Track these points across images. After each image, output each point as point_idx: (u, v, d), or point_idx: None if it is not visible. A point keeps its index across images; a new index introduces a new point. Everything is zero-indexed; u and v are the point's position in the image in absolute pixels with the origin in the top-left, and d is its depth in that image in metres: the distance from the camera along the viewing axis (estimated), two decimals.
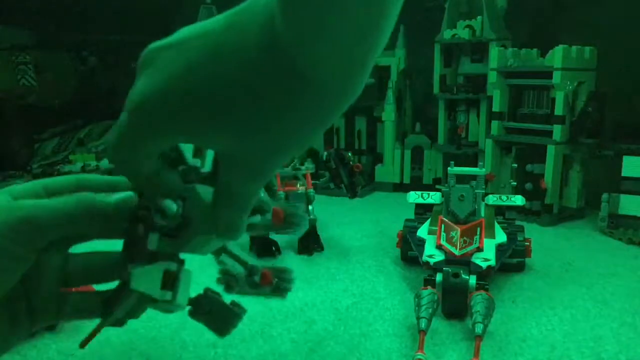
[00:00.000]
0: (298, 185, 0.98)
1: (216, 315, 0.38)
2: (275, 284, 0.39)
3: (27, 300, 0.36)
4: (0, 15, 1.61)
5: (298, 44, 0.25)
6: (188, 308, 0.38)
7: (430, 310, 0.65)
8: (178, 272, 0.35)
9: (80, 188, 0.37)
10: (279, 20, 0.24)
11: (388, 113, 1.43)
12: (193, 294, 0.38)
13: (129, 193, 0.35)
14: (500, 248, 0.80)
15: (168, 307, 0.35)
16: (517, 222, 0.93)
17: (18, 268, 0.34)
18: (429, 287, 0.69)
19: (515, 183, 1.10)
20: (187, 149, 0.33)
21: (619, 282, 0.85)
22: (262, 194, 0.36)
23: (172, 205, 0.32)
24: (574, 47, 1.13)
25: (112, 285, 0.37)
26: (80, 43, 1.78)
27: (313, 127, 0.28)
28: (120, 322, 0.36)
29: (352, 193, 1.00)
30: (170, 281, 0.34)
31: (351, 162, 1.34)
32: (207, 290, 0.38)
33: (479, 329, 0.62)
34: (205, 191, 0.33)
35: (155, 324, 0.70)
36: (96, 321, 0.36)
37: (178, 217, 0.33)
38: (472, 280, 0.70)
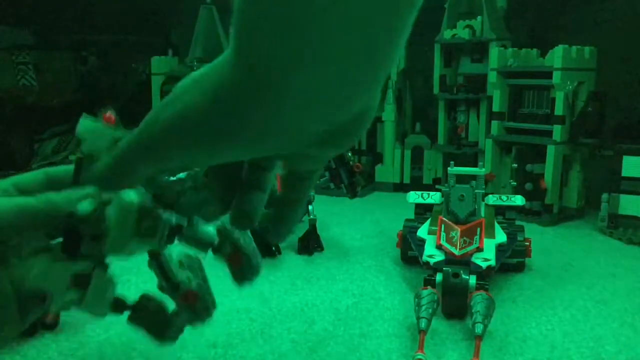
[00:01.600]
0: None
1: (156, 321, 0.38)
2: (197, 308, 0.38)
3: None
4: (0, 15, 1.61)
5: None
6: (127, 313, 0.37)
7: (430, 310, 0.65)
8: (91, 275, 0.34)
9: (50, 183, 0.37)
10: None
11: (388, 113, 1.43)
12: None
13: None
14: (500, 248, 0.80)
15: (85, 308, 0.34)
16: (517, 222, 0.93)
17: None
18: (429, 287, 0.69)
19: (515, 183, 1.10)
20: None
21: (619, 282, 0.85)
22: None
23: (86, 207, 0.32)
24: (574, 47, 1.13)
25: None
26: (80, 43, 1.78)
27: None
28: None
29: (352, 193, 1.00)
30: (81, 282, 0.34)
31: (351, 162, 1.33)
32: (144, 297, 0.38)
33: (479, 329, 0.62)
34: (129, 195, 0.33)
35: None
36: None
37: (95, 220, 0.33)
38: (472, 280, 0.70)
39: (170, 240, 0.36)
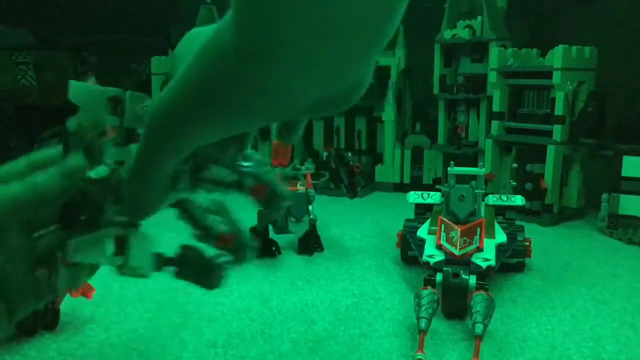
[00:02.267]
0: (298, 185, 0.98)
1: (199, 269, 0.38)
2: (234, 248, 0.38)
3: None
4: (0, 15, 1.61)
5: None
6: (173, 269, 0.37)
7: (430, 310, 0.65)
8: (128, 236, 0.35)
9: (32, 169, 0.37)
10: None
11: (388, 113, 1.43)
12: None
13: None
14: (500, 248, 0.80)
15: (129, 272, 0.34)
16: (517, 222, 0.93)
17: None
18: (429, 287, 0.69)
19: (515, 183, 1.10)
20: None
21: (619, 282, 0.85)
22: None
23: (102, 171, 0.32)
24: (574, 47, 1.13)
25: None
26: (80, 43, 1.78)
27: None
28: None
29: (352, 193, 1.00)
30: (120, 246, 0.34)
31: (351, 162, 1.34)
32: (184, 247, 0.38)
33: (479, 329, 0.62)
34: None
35: (155, 323, 0.70)
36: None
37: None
38: (472, 280, 0.70)
39: (192, 187, 0.36)
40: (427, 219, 0.88)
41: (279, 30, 0.23)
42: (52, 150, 0.37)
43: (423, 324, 0.63)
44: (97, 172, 0.33)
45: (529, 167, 1.17)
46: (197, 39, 0.28)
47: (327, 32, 0.23)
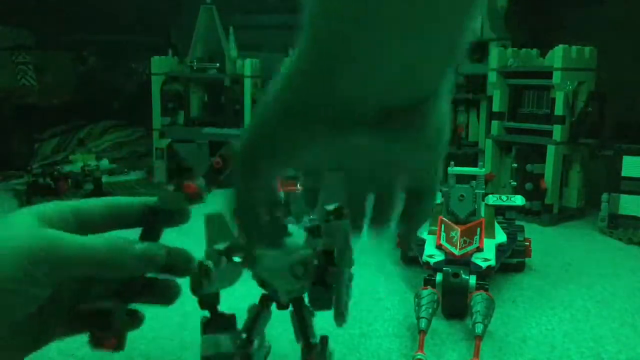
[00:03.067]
0: (298, 185, 0.98)
1: None
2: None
3: (40, 319, 0.36)
4: (0, 15, 1.61)
5: None
6: None
7: (430, 310, 0.65)
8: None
9: (112, 217, 0.37)
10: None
11: None
12: None
13: (157, 245, 0.36)
14: (500, 248, 0.80)
15: None
16: (517, 222, 0.93)
17: (36, 297, 0.33)
18: (429, 287, 0.69)
19: (515, 183, 1.10)
20: None
21: (619, 282, 0.85)
22: None
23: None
24: (574, 47, 1.13)
25: None
26: (80, 43, 1.78)
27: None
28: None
29: None
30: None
31: None
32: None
33: (479, 329, 0.62)
34: None
35: (155, 324, 0.70)
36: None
37: None
38: (472, 280, 0.70)
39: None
40: None
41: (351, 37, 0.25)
42: (133, 200, 0.37)
43: (423, 324, 0.63)
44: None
45: (529, 167, 1.17)
46: None
47: (405, 35, 0.24)
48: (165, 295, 0.37)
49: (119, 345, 0.35)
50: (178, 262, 0.35)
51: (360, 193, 0.36)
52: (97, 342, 0.35)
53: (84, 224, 0.35)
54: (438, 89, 0.29)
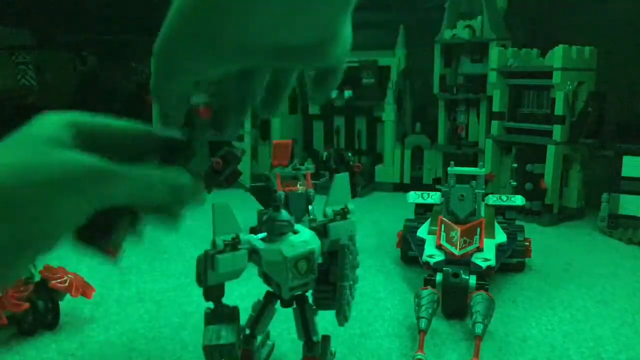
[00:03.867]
0: (298, 185, 0.97)
1: None
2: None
3: None
4: (0, 15, 1.60)
5: None
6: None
7: (430, 310, 0.65)
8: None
9: (130, 144, 0.36)
10: None
11: (388, 113, 1.43)
12: None
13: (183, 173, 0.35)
14: (500, 248, 0.80)
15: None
16: (517, 222, 0.93)
17: (80, 221, 0.32)
18: (429, 287, 0.69)
19: (515, 183, 1.10)
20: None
21: (619, 282, 0.85)
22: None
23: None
24: (574, 47, 1.14)
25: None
26: (80, 43, 1.78)
27: None
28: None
29: (352, 193, 0.99)
30: None
31: (351, 162, 1.33)
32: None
33: (479, 329, 0.62)
34: None
35: (155, 324, 0.70)
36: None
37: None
38: (472, 280, 0.70)
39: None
40: (427, 219, 0.88)
41: None
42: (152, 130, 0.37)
43: (423, 324, 0.63)
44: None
45: (529, 167, 1.17)
46: None
47: None
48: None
49: (116, 256, 0.35)
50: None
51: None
52: (99, 248, 0.34)
53: (113, 147, 0.34)
54: (338, 32, 0.30)
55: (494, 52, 1.23)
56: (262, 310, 0.55)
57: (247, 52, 0.30)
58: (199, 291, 0.51)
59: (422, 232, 0.85)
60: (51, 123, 0.32)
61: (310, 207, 0.98)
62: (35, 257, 0.32)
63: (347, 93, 1.44)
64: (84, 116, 0.35)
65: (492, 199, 0.91)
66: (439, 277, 0.71)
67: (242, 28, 0.28)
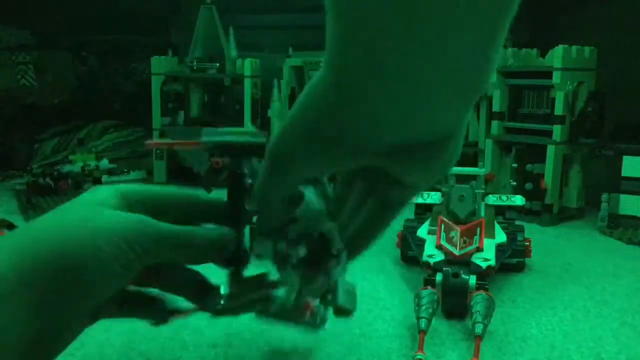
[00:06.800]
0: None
1: None
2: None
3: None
4: (0, 15, 1.61)
5: None
6: None
7: (430, 310, 0.65)
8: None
9: (190, 211, 0.38)
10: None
11: None
12: None
13: (226, 230, 0.37)
14: (500, 248, 0.80)
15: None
16: (517, 222, 0.93)
17: (123, 277, 0.34)
18: (429, 287, 0.69)
19: (515, 183, 1.10)
20: None
21: (619, 282, 0.85)
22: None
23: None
24: (574, 47, 1.13)
25: None
26: (80, 43, 1.78)
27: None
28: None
29: None
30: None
31: None
32: None
33: (479, 329, 0.62)
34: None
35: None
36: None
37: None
38: (472, 280, 0.70)
39: None
40: (427, 219, 0.88)
41: (374, 70, 0.24)
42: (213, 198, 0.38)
43: (423, 324, 0.63)
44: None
45: (529, 167, 1.17)
46: None
47: (421, 78, 0.24)
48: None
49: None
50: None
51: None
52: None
53: (159, 211, 0.36)
54: (458, 130, 0.30)
55: None
56: None
57: (366, 152, 0.29)
58: None
59: (422, 232, 0.85)
60: (102, 192, 0.35)
61: None
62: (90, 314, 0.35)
63: None
64: (131, 185, 0.37)
65: (492, 199, 0.91)
66: (439, 277, 0.71)
67: (365, 129, 0.28)
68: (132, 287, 0.38)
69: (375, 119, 0.27)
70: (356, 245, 0.36)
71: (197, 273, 0.40)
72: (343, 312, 0.35)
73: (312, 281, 0.35)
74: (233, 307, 0.35)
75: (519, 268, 0.88)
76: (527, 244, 0.88)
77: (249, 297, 0.35)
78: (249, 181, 0.37)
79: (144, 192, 0.36)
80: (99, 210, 0.33)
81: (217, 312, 0.35)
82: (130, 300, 0.40)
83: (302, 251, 0.35)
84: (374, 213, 0.35)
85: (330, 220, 0.35)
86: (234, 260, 0.36)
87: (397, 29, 0.23)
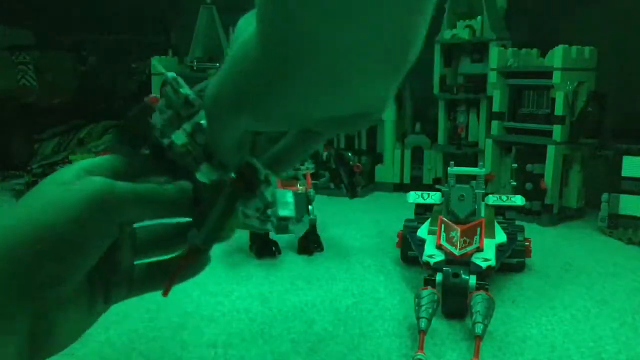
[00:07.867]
0: (298, 185, 0.98)
1: None
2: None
3: (103, 278, 0.40)
4: (0, 15, 1.61)
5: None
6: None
7: (430, 310, 0.65)
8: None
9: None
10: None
11: (388, 113, 1.43)
12: None
13: (184, 183, 0.38)
14: (500, 248, 0.80)
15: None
16: (517, 222, 0.93)
17: (104, 242, 0.36)
18: (429, 287, 0.69)
19: (515, 183, 1.10)
20: None
21: (619, 282, 0.85)
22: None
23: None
24: (574, 47, 1.13)
25: None
26: (80, 43, 1.78)
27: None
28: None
29: (352, 193, 1.00)
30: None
31: (351, 162, 1.33)
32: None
33: (479, 329, 0.62)
34: None
35: (155, 324, 0.70)
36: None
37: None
38: (472, 280, 0.70)
39: None
40: (427, 219, 0.88)
41: (301, 51, 0.24)
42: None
43: (423, 324, 0.63)
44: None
45: (529, 167, 1.17)
46: (250, 20, 0.30)
47: (346, 56, 0.24)
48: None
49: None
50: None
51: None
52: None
53: (120, 178, 0.37)
54: (389, 101, 0.30)
55: (494, 52, 1.23)
56: None
57: (295, 121, 0.30)
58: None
59: (422, 232, 0.85)
60: (67, 171, 0.36)
61: (310, 207, 0.98)
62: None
63: None
64: (93, 159, 0.38)
65: (492, 199, 0.91)
66: (439, 277, 0.71)
67: (285, 105, 0.28)
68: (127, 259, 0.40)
69: (292, 99, 0.28)
70: (277, 169, 0.38)
71: (169, 225, 0.42)
72: (284, 219, 0.37)
73: (250, 202, 0.37)
74: (214, 234, 0.37)
75: (519, 268, 0.88)
76: (527, 244, 0.88)
77: (220, 221, 0.37)
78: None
79: (104, 164, 0.38)
80: (68, 185, 0.35)
81: (204, 244, 0.36)
82: (135, 278, 0.42)
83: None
84: (295, 141, 0.36)
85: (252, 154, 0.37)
86: (196, 208, 0.38)
87: None
